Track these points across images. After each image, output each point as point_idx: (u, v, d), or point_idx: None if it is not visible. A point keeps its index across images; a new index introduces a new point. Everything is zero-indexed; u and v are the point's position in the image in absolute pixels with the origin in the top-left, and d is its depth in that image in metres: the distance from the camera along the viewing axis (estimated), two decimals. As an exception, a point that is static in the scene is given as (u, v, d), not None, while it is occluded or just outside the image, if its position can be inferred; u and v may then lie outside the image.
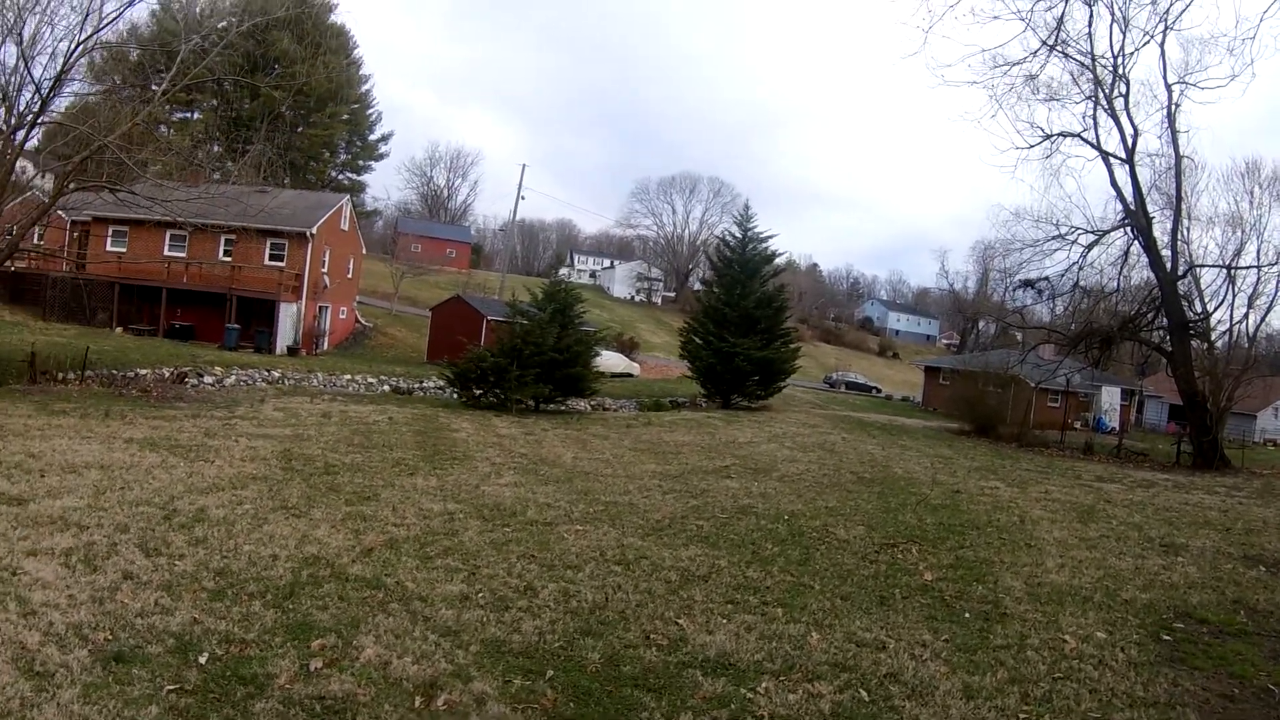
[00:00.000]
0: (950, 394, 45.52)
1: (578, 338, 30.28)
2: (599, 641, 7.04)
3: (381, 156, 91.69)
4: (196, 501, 10.74)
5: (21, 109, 25.68)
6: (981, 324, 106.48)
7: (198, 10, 71.21)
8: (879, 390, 73.83)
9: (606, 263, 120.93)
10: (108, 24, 23.70)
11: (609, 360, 51.57)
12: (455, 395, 29.89)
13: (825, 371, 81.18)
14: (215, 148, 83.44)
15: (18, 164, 29.38)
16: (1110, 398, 57.51)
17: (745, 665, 6.78)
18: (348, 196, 47.31)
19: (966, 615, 8.70)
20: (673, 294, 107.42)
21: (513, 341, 28.20)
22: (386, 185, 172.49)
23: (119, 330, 38.66)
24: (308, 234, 40.21)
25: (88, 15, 22.69)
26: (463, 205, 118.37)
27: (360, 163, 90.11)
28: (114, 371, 27.12)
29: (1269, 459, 38.35)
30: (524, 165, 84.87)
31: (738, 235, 40.77)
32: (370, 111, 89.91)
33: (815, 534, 12.07)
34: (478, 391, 28.39)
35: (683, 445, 22.45)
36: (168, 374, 28.45)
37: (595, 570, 9.24)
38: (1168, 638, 8.37)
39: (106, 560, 8.01)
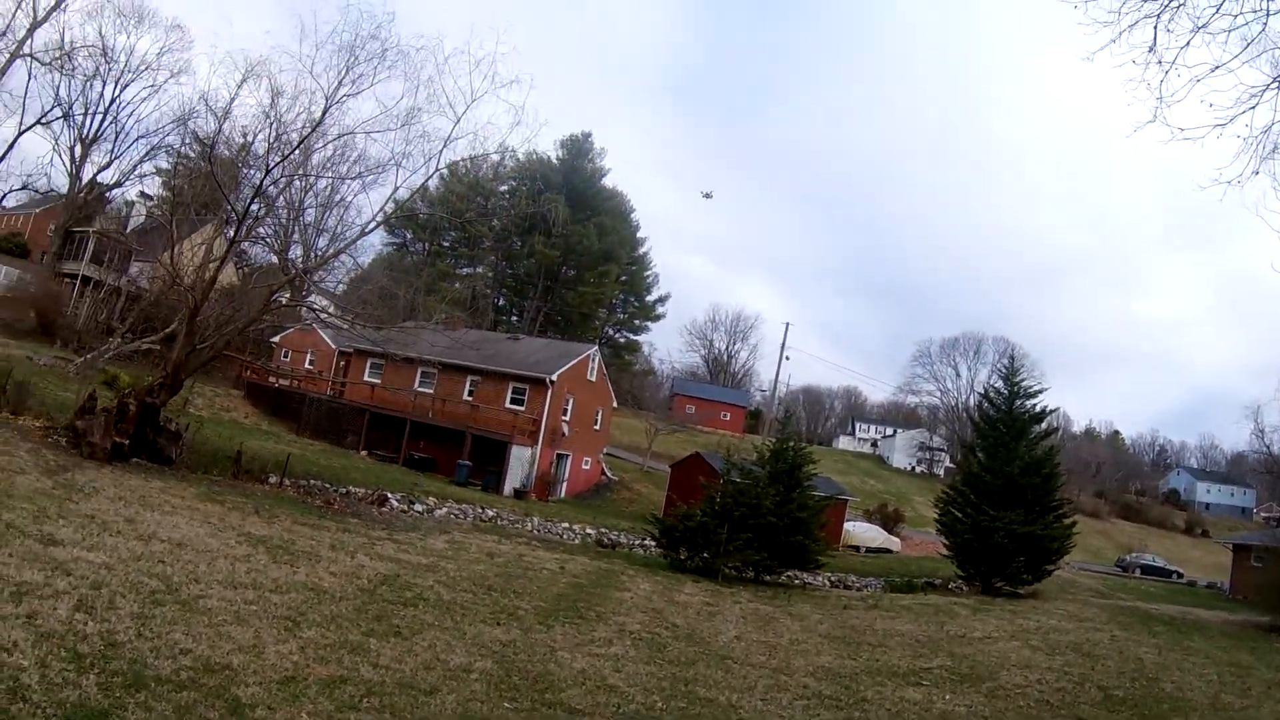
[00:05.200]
0: (1261, 579, 37.64)
1: (803, 503, 27.55)
2: None
3: (659, 317, 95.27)
4: (213, 591, 10.02)
5: (319, 253, 28.27)
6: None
7: (482, 174, 78.37)
8: (1179, 575, 63.49)
9: (888, 431, 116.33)
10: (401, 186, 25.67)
11: (864, 533, 48.26)
12: (663, 555, 27.90)
13: (1121, 552, 71.37)
14: (499, 300, 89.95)
15: (312, 298, 32.76)
16: None
17: None
18: (595, 348, 47.88)
19: None
20: (955, 465, 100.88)
21: (724, 501, 25.98)
22: (669, 347, 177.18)
23: (363, 453, 40.49)
24: (548, 380, 40.95)
25: (396, 188, 25.35)
26: (743, 369, 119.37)
27: (637, 322, 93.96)
28: (325, 484, 27.76)
29: None
30: (787, 324, 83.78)
31: (1002, 391, 36.41)
32: (647, 274, 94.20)
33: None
34: (684, 555, 26.21)
35: (893, 636, 19.08)
36: (371, 494, 28.51)
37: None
38: None
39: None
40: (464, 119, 23.41)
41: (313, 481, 27.58)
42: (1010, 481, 32.70)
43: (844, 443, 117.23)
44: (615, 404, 52.37)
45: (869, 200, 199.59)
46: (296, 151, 23.98)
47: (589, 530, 33.19)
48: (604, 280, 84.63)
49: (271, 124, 23.59)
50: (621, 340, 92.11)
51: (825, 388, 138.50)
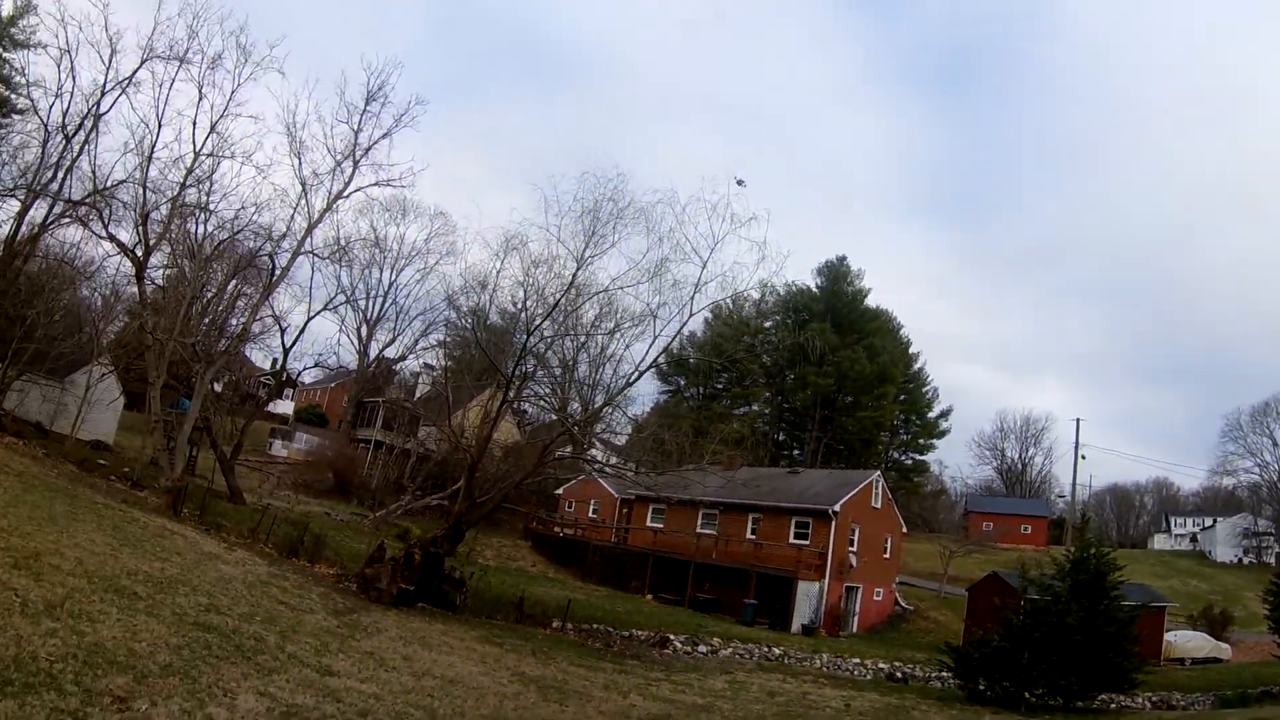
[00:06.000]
0: None
1: (1110, 615, 24.95)
2: None
3: (943, 433, 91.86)
4: None
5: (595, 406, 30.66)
6: None
7: (745, 313, 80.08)
8: None
9: (1207, 522, 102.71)
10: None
11: (1187, 643, 42.99)
12: (959, 687, 25.92)
13: None
14: (779, 435, 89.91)
15: (593, 451, 35.05)
16: None
17: None
18: (877, 473, 46.40)
19: None
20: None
21: (1021, 622, 23.97)
22: (959, 463, 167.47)
23: (648, 597, 41.07)
24: (830, 512, 40.02)
25: (654, 338, 26.51)
26: (1040, 475, 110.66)
27: (921, 441, 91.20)
28: (608, 628, 28.22)
29: None
30: (1078, 420, 78.00)
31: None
32: (925, 389, 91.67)
33: None
34: (982, 685, 24.21)
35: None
36: (653, 637, 28.57)
37: None
38: None
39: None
40: (710, 263, 24.18)
41: (595, 625, 28.06)
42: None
43: (1159, 542, 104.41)
44: (904, 529, 50.10)
45: (1153, 278, 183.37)
46: (555, 313, 25.65)
47: (881, 665, 31.57)
48: (881, 402, 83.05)
49: (528, 291, 25.64)
50: (908, 462, 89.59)
51: (1133, 483, 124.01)
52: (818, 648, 32.67)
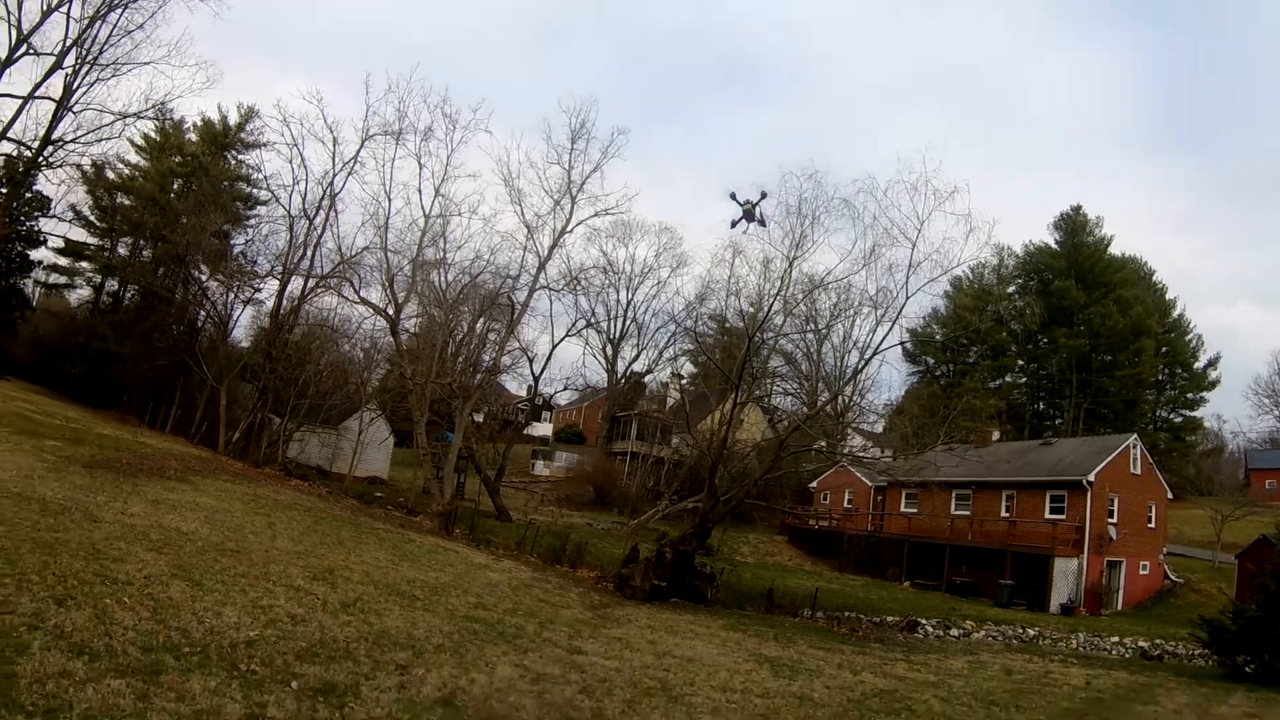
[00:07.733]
0: None
1: None
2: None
3: (1213, 384, 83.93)
4: (701, 691, 11.49)
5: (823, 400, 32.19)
6: None
7: (985, 281, 77.45)
8: None
9: None
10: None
11: None
12: (1219, 664, 23.91)
13: None
14: (1038, 404, 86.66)
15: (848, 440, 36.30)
16: None
17: None
18: (1133, 437, 44.02)
19: None
20: None
21: (1274, 587, 22.72)
22: (1236, 415, 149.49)
23: (905, 584, 41.46)
24: (1084, 482, 38.75)
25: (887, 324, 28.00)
26: None
27: (1189, 396, 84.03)
28: (859, 615, 29.15)
29: None
30: None
31: None
32: (1188, 338, 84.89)
33: None
34: (1241, 659, 22.12)
35: None
36: (902, 622, 29.20)
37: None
38: None
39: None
40: (920, 242, 24.97)
41: (846, 613, 28.91)
42: None
43: None
44: (1170, 495, 47.20)
45: None
46: (775, 312, 27.16)
47: (1141, 643, 30.20)
48: (1139, 358, 77.45)
49: (746, 295, 27.39)
50: (1178, 420, 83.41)
51: None
52: (1075, 627, 31.88)
